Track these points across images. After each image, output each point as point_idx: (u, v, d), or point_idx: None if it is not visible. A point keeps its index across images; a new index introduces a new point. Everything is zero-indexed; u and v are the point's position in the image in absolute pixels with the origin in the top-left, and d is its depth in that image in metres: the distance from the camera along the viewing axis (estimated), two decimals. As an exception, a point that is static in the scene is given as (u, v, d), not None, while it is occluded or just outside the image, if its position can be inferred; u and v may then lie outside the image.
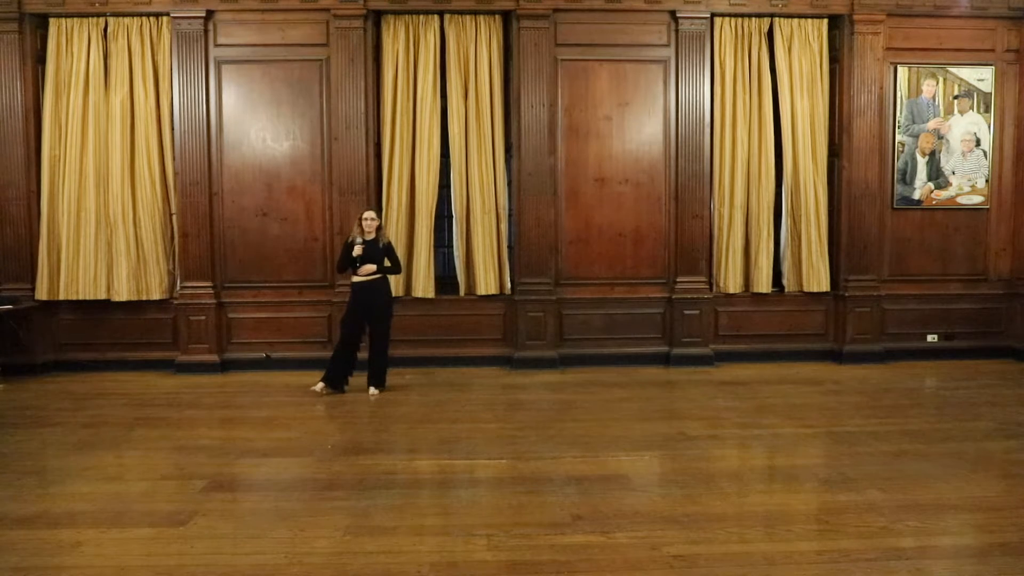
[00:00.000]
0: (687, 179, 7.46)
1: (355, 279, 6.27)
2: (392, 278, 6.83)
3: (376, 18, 7.31)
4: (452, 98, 7.33)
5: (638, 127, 7.45)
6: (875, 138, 7.54)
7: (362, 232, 6.20)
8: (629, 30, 7.37)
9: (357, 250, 6.15)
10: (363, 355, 6.44)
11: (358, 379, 6.47)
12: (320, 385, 6.37)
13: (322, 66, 7.26)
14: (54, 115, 7.21)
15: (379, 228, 6.30)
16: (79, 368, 7.29)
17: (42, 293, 7.20)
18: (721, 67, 7.46)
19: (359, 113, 7.23)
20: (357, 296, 6.30)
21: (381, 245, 6.25)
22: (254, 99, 7.29)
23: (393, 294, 6.52)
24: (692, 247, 7.49)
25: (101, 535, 3.57)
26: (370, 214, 6.26)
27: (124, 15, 7.17)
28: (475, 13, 7.30)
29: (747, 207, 7.58)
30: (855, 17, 7.39)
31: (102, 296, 7.27)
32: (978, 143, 7.69)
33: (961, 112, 7.67)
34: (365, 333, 6.38)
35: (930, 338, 7.77)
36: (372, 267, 6.18)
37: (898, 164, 7.65)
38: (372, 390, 6.37)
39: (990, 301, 7.83)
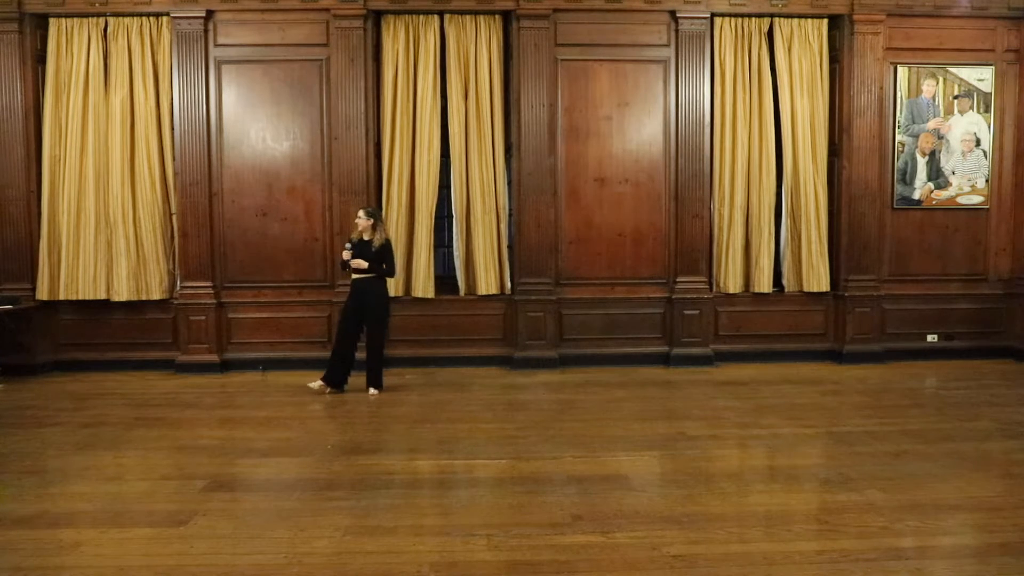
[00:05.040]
0: (687, 179, 7.46)
1: (352, 276, 6.30)
2: (392, 279, 6.83)
3: (376, 18, 7.31)
4: (452, 98, 7.33)
5: (638, 127, 7.45)
6: (875, 138, 7.54)
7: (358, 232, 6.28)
8: (629, 30, 7.36)
9: (345, 255, 6.22)
10: (363, 355, 6.45)
11: (358, 379, 6.48)
12: (318, 383, 6.38)
13: (322, 66, 7.26)
14: (54, 115, 7.21)
15: (374, 227, 6.25)
16: (79, 368, 7.28)
17: (42, 293, 7.20)
18: (721, 67, 7.46)
19: (359, 113, 7.23)
20: (352, 293, 6.32)
21: (375, 246, 6.23)
22: (254, 99, 7.29)
23: (392, 294, 6.51)
24: (692, 247, 7.49)
25: (101, 535, 3.57)
26: (360, 214, 6.29)
27: (124, 15, 7.17)
28: (475, 13, 7.30)
29: (747, 207, 7.58)
30: (855, 17, 7.39)
31: (102, 296, 7.27)
32: (978, 143, 7.69)
33: (961, 112, 7.67)
34: (362, 332, 6.38)
35: (930, 338, 7.77)
36: (364, 263, 6.18)
37: (898, 164, 7.65)
38: (371, 390, 6.38)
39: (990, 301, 7.83)
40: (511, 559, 3.30)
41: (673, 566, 3.22)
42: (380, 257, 6.24)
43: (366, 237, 6.25)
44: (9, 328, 7.08)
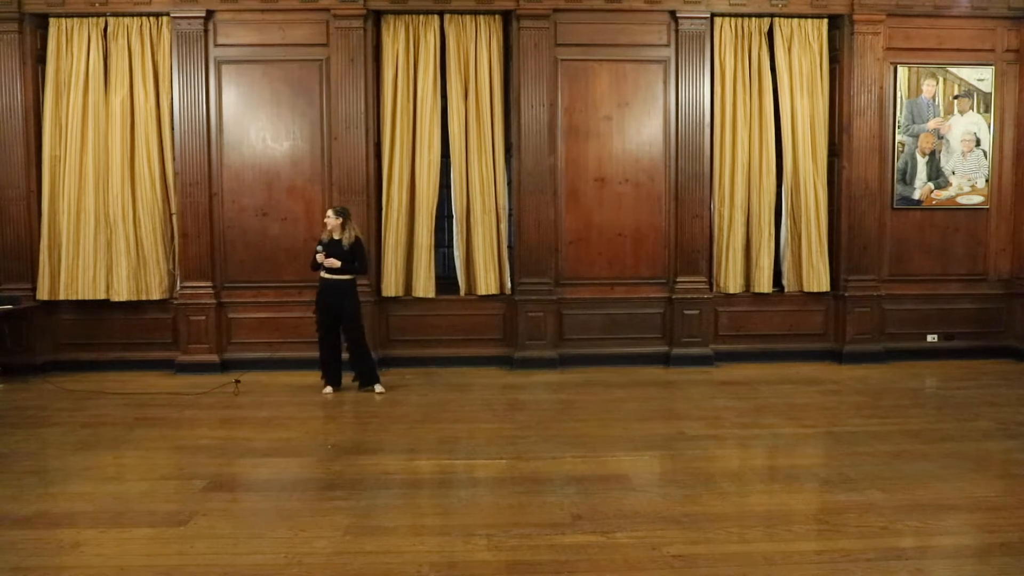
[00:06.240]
0: (687, 179, 7.45)
1: (322, 275, 6.31)
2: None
3: (376, 18, 7.30)
4: (452, 98, 7.33)
5: (638, 127, 7.45)
6: (875, 138, 7.54)
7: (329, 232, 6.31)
8: (629, 30, 7.36)
9: (319, 257, 6.21)
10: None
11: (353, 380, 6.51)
12: (329, 389, 6.45)
13: (322, 66, 7.25)
14: (54, 115, 7.20)
15: (343, 226, 6.27)
16: (79, 368, 7.28)
17: (43, 293, 7.19)
18: (721, 67, 7.46)
19: (359, 113, 7.22)
20: (324, 293, 6.32)
21: (345, 244, 6.25)
22: (254, 99, 7.29)
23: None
24: (692, 247, 7.49)
25: (101, 535, 3.57)
26: (329, 214, 6.32)
27: (124, 15, 7.16)
28: (475, 13, 7.30)
29: (747, 207, 7.58)
30: (855, 17, 7.38)
31: (102, 296, 7.26)
32: (978, 143, 7.69)
33: (961, 112, 7.67)
34: (339, 330, 6.43)
35: (930, 338, 7.76)
36: (336, 262, 6.18)
37: (898, 164, 7.65)
38: (378, 387, 6.41)
39: (990, 301, 7.83)
40: (511, 559, 3.30)
41: (673, 566, 3.23)
42: (352, 255, 6.26)
43: (336, 236, 6.28)
44: (6, 329, 7.08)
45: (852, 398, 6.24)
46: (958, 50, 7.59)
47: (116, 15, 7.16)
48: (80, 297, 7.24)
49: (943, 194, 7.70)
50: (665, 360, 7.51)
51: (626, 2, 7.28)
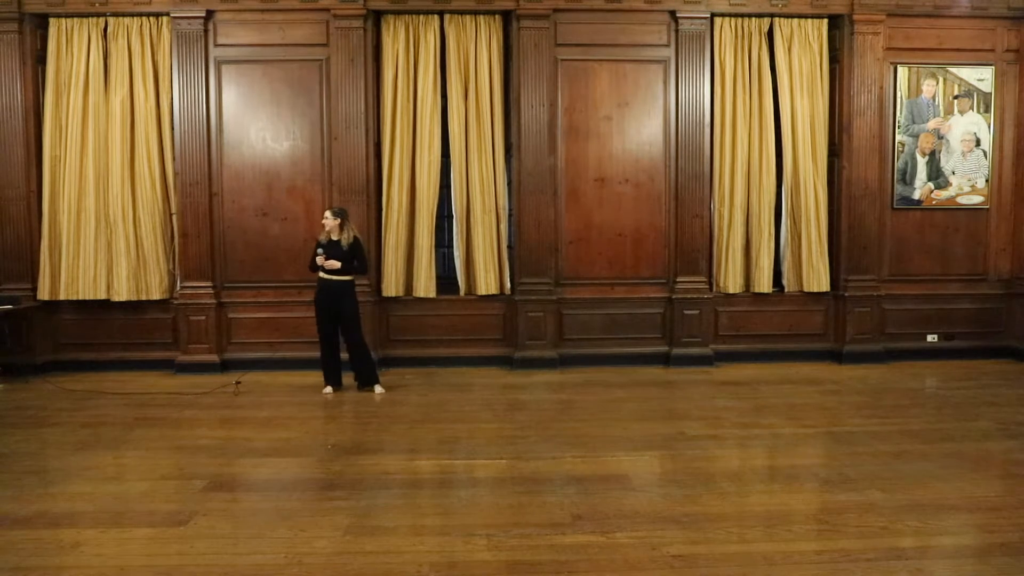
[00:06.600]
0: (687, 179, 7.45)
1: (321, 275, 6.31)
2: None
3: (376, 18, 7.31)
4: (452, 98, 7.33)
5: (638, 127, 7.45)
6: (875, 138, 7.54)
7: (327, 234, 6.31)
8: (629, 30, 7.36)
9: (319, 260, 6.21)
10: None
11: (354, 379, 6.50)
12: (328, 389, 6.45)
13: (322, 66, 7.25)
14: (54, 115, 7.20)
15: (342, 227, 6.28)
16: (79, 368, 7.28)
17: (43, 293, 7.19)
18: (721, 67, 7.46)
19: (359, 113, 7.22)
20: (322, 293, 6.32)
21: (344, 245, 6.25)
22: (254, 99, 7.29)
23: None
24: (692, 247, 7.49)
25: (101, 535, 3.57)
26: (327, 215, 6.32)
27: (124, 15, 7.16)
28: (475, 13, 7.30)
29: (747, 207, 7.58)
30: (855, 17, 7.38)
31: (102, 296, 7.27)
32: (978, 143, 7.69)
33: (961, 112, 7.67)
34: (338, 330, 6.43)
35: (930, 338, 7.76)
36: (336, 263, 6.19)
37: (898, 164, 7.65)
38: (377, 388, 6.41)
39: (990, 301, 7.83)
40: (511, 559, 3.30)
41: (673, 566, 3.23)
42: (351, 256, 6.27)
43: (334, 237, 6.29)
44: (6, 329, 7.09)
45: (852, 398, 6.24)
46: (958, 50, 7.59)
47: (116, 15, 7.16)
48: (80, 297, 7.24)
49: (943, 194, 7.70)
50: (665, 360, 7.51)
51: (626, 2, 7.28)
